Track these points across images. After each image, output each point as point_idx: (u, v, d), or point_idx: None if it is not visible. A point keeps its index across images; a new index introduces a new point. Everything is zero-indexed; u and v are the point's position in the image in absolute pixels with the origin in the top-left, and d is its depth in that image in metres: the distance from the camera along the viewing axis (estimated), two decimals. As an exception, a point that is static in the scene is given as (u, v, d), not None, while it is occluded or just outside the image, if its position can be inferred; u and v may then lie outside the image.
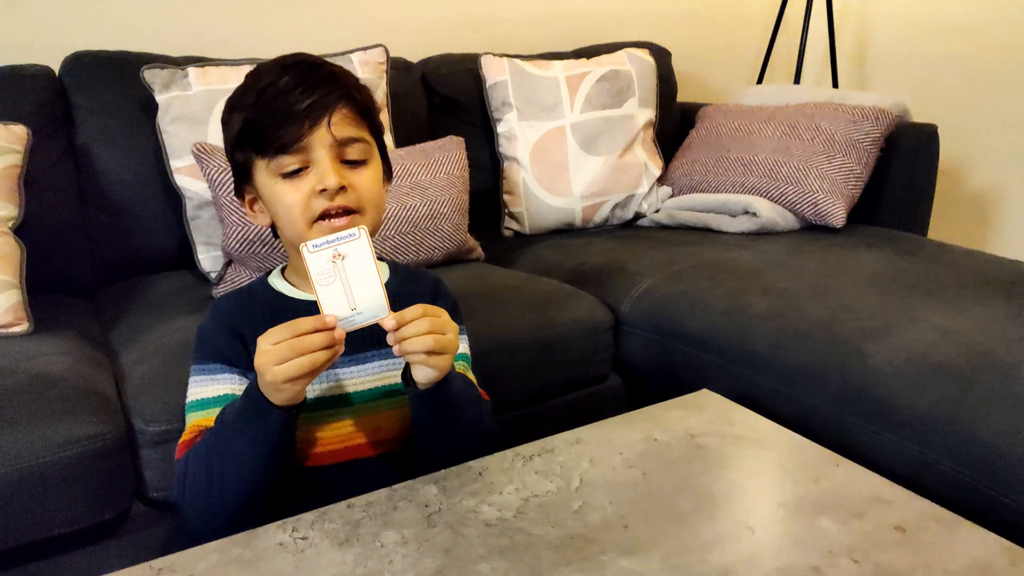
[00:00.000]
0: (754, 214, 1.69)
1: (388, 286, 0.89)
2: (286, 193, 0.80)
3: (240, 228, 1.35)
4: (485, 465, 0.85)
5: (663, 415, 0.98)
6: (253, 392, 0.74)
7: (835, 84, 2.35)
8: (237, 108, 0.82)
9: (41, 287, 1.35)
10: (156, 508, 1.07)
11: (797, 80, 2.33)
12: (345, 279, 0.73)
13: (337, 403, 0.86)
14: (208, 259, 1.49)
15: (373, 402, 0.87)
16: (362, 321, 0.74)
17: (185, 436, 0.83)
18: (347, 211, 0.80)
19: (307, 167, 0.79)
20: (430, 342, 0.74)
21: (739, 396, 1.05)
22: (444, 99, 1.90)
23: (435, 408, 0.82)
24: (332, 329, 0.71)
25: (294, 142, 0.78)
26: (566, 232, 1.84)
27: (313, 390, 0.85)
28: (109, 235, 1.51)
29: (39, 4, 1.60)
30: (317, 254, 0.72)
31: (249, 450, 0.75)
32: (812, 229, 1.72)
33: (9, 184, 1.31)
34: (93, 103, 1.51)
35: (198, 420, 0.83)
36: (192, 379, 0.85)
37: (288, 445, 0.78)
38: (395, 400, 0.86)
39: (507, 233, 1.86)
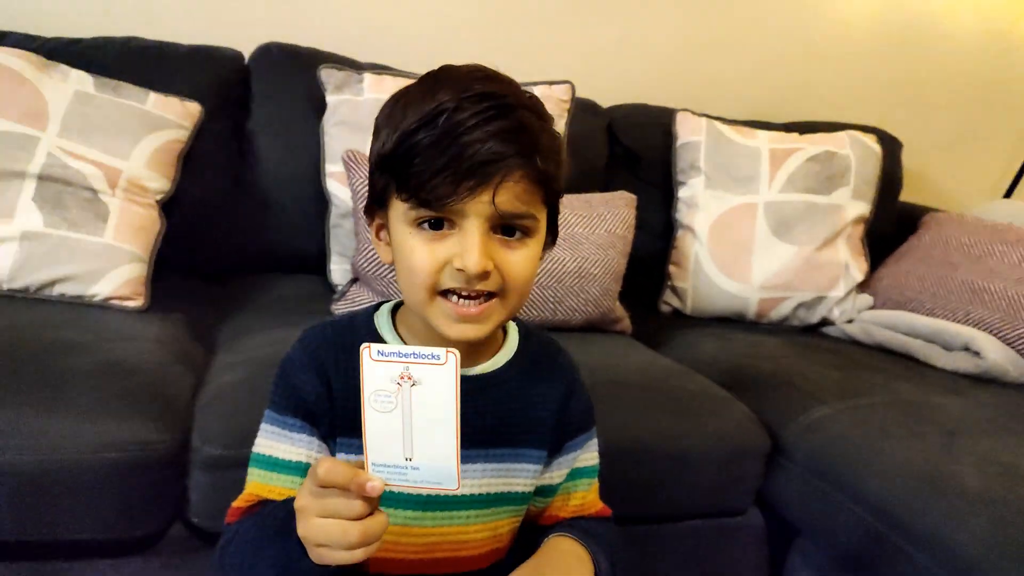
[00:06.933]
0: (976, 353, 1.35)
1: (516, 351, 0.71)
2: (416, 250, 0.61)
3: (370, 245, 1.25)
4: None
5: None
6: (291, 520, 0.56)
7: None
8: (392, 123, 0.61)
9: (177, 264, 1.32)
10: (196, 535, 0.95)
11: (1058, 202, 1.93)
12: (408, 414, 0.51)
13: (423, 505, 0.68)
14: (339, 271, 1.41)
15: (465, 512, 0.69)
16: (415, 482, 0.53)
17: (240, 501, 0.68)
18: (482, 293, 0.61)
19: (451, 225, 0.60)
20: None
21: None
22: (626, 151, 1.73)
23: None
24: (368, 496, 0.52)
25: (443, 201, 0.58)
26: (734, 323, 1.60)
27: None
28: (253, 224, 1.48)
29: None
30: (380, 366, 0.50)
31: None
32: (1052, 387, 1.35)
33: (167, 158, 1.30)
34: (271, 92, 1.50)
35: (258, 486, 0.67)
36: (265, 425, 0.69)
37: None
38: (491, 512, 0.70)
39: (665, 309, 1.65)
